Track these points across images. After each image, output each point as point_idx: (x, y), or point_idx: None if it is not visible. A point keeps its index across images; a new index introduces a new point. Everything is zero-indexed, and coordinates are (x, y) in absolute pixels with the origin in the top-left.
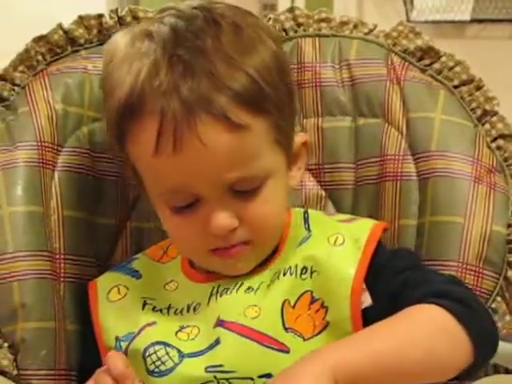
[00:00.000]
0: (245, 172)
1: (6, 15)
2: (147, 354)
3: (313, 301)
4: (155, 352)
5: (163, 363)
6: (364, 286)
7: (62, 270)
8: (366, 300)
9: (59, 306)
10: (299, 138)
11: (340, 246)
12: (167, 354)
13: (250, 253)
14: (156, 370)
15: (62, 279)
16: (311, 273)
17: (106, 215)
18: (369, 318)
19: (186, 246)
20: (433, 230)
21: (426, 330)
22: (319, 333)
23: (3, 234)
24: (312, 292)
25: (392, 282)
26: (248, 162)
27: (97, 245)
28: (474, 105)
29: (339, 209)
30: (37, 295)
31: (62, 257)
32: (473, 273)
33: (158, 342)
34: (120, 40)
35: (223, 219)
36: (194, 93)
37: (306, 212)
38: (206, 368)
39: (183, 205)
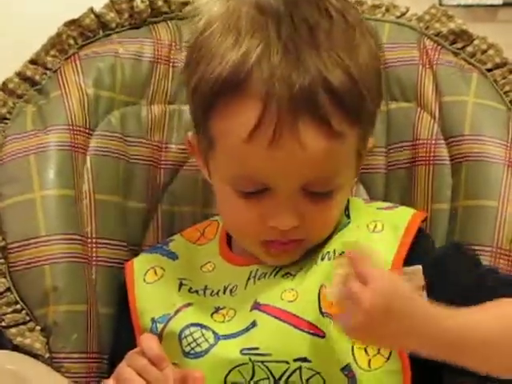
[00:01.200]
0: (329, 174)
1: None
2: (183, 335)
3: None
4: (191, 334)
5: (199, 345)
6: (418, 268)
7: (94, 254)
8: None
9: (91, 289)
10: (370, 144)
11: (379, 232)
12: (203, 335)
13: (299, 250)
14: (192, 351)
15: (93, 263)
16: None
17: (138, 199)
18: None
19: (240, 231)
20: (466, 214)
21: None
22: None
23: (35, 218)
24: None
25: (470, 273)
26: (335, 168)
27: (128, 228)
28: (507, 88)
29: (371, 193)
30: (68, 278)
31: (94, 240)
32: (506, 257)
33: (194, 324)
34: (219, 2)
35: (287, 217)
36: (302, 88)
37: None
38: (241, 350)
39: (251, 191)
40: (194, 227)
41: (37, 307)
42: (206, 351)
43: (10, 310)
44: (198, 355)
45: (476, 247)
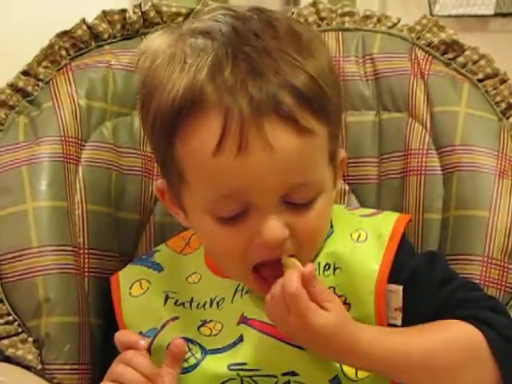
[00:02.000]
0: (305, 179)
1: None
2: None
3: None
4: None
5: (186, 360)
6: (400, 288)
7: (86, 265)
8: (397, 301)
9: (83, 300)
10: (341, 155)
11: (363, 242)
12: (190, 350)
13: None
14: None
15: (85, 274)
16: (334, 269)
17: (130, 210)
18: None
19: (229, 261)
20: (457, 224)
21: (456, 346)
22: None
23: (27, 229)
24: (334, 289)
25: (434, 297)
26: (310, 170)
27: (120, 239)
28: (498, 98)
29: (363, 203)
30: (61, 290)
31: (86, 251)
32: (498, 267)
33: (181, 338)
34: (159, 40)
35: (276, 227)
36: (262, 92)
37: None
38: (228, 366)
39: (231, 215)
40: (180, 236)
41: (29, 318)
42: (194, 366)
43: (2, 321)
44: (186, 371)
45: (468, 257)
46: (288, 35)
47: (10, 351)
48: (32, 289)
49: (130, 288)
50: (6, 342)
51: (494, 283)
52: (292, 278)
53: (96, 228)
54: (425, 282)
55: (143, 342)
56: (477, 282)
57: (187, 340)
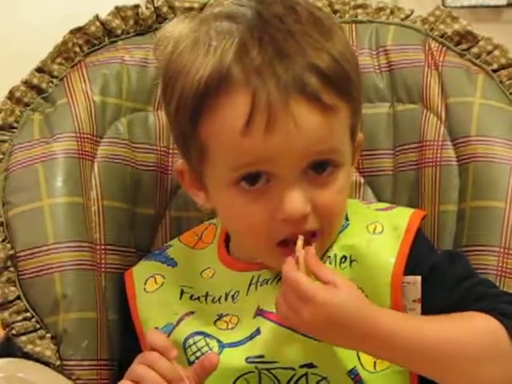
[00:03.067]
0: (329, 146)
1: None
2: (187, 344)
3: None
4: (195, 343)
5: (203, 354)
6: (418, 279)
7: (103, 261)
8: (416, 293)
9: (100, 296)
10: (359, 137)
11: (379, 234)
12: (207, 344)
13: (316, 246)
14: (196, 361)
15: (102, 269)
16: (350, 262)
17: (146, 205)
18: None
19: (253, 235)
20: (473, 215)
21: (480, 337)
22: None
23: (43, 226)
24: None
25: (453, 292)
26: (333, 140)
27: (137, 234)
28: None
29: (379, 195)
30: (78, 286)
31: (103, 247)
32: None
33: (198, 333)
34: (180, 26)
35: (298, 201)
36: (288, 73)
37: None
38: (246, 359)
39: (254, 186)
40: (192, 231)
41: (47, 315)
42: None
43: (20, 317)
44: None
45: (484, 248)
46: (310, 19)
47: (28, 347)
48: (49, 285)
49: (145, 284)
50: (24, 338)
51: (510, 274)
52: (287, 268)
53: (112, 224)
54: (444, 278)
55: (174, 352)
56: (493, 272)
57: (204, 334)
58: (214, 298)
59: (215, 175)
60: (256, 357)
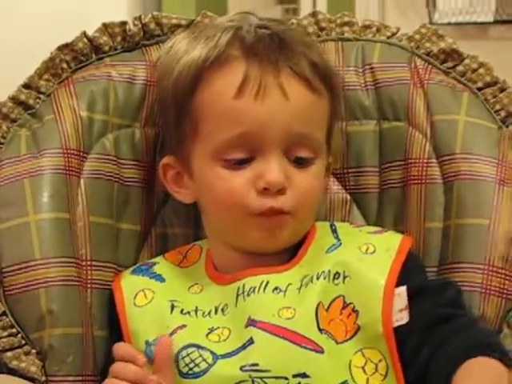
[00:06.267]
0: (310, 131)
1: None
2: (180, 357)
3: (344, 306)
4: (188, 355)
5: (197, 365)
6: (403, 289)
7: (89, 277)
8: (402, 302)
9: (86, 312)
10: (329, 160)
11: (371, 254)
12: (201, 356)
13: (289, 224)
14: (190, 372)
15: (88, 285)
16: (344, 278)
17: (132, 221)
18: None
19: (230, 206)
20: (458, 232)
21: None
22: (351, 338)
23: (30, 241)
24: (344, 297)
25: (436, 311)
26: (314, 125)
27: (122, 251)
28: (498, 107)
29: (365, 212)
30: (64, 301)
31: (89, 263)
32: (499, 275)
33: (191, 345)
34: (180, 36)
35: (278, 170)
36: (282, 53)
37: (332, 224)
38: (240, 367)
39: (239, 158)
40: (176, 250)
41: (32, 331)
42: (205, 371)
43: (5, 333)
44: (196, 375)
45: (469, 265)
46: (290, 35)
47: (13, 363)
48: (35, 301)
49: (135, 298)
50: (9, 354)
51: (495, 291)
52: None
53: (98, 240)
54: (429, 298)
55: (142, 358)
56: (478, 290)
57: (197, 346)
58: (203, 313)
59: (203, 151)
60: (250, 365)
